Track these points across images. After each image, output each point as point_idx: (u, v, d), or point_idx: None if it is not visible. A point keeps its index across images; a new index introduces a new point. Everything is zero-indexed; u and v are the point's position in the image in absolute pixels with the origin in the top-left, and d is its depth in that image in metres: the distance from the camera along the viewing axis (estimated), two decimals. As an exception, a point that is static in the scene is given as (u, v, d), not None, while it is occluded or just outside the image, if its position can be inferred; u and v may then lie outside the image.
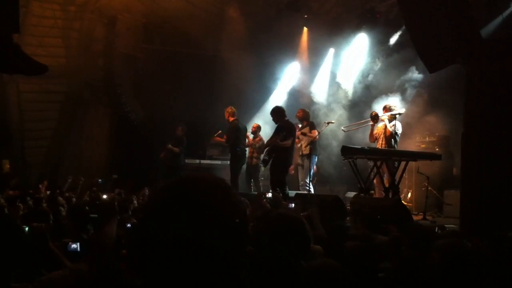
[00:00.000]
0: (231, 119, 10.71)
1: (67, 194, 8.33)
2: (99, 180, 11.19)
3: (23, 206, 6.44)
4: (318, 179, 12.04)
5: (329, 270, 2.43)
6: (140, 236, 1.23)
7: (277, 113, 9.93)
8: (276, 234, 2.94)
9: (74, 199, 7.87)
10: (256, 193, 9.61)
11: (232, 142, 10.51)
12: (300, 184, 10.71)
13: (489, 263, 2.82)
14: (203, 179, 1.27)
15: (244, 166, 11.21)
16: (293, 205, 5.96)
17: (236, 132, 10.49)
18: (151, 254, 1.19)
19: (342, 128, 10.73)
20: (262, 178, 12.03)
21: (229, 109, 10.80)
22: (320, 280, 2.40)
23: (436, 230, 5.57)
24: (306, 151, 10.53)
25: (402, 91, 11.46)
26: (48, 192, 8.93)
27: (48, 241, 2.76)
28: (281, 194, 8.16)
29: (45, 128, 13.85)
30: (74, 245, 3.58)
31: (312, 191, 10.48)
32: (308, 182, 10.38)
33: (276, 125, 9.85)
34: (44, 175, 12.18)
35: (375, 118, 9.67)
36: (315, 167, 10.99)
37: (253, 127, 11.73)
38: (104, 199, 7.62)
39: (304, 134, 10.59)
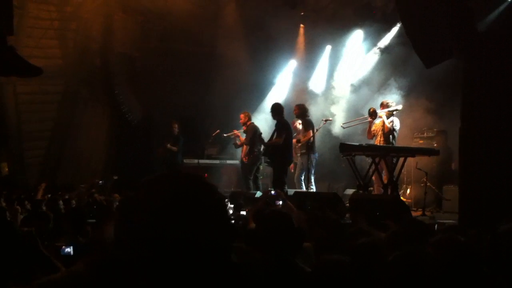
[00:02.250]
0: (249, 122, 10.86)
1: (66, 197, 8.32)
2: (100, 181, 11.18)
3: (22, 209, 6.45)
4: (317, 177, 12.04)
5: (341, 266, 2.46)
6: (124, 230, 1.24)
7: (275, 109, 9.98)
8: (268, 230, 2.97)
9: (73, 202, 7.87)
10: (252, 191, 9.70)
11: (251, 144, 10.56)
12: (295, 182, 10.71)
13: (484, 257, 2.82)
14: (186, 176, 1.28)
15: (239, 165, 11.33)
16: (280, 202, 5.97)
17: (255, 134, 10.52)
18: (131, 247, 1.20)
19: (341, 125, 10.72)
20: (262, 177, 12.04)
21: (247, 113, 11.01)
22: (331, 276, 2.43)
23: (436, 227, 5.56)
24: (302, 150, 10.53)
25: (399, 86, 11.45)
26: (48, 196, 8.90)
27: (39, 245, 2.75)
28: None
29: (43, 129, 13.82)
30: (67, 249, 3.56)
31: (314, 189, 10.49)
32: (306, 181, 10.39)
33: (275, 124, 9.91)
34: (43, 177, 12.18)
35: (373, 114, 9.66)
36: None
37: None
38: (101, 200, 7.61)
39: (298, 140, 10.58)
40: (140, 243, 1.19)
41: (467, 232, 3.92)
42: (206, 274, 1.20)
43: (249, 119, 10.94)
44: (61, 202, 7.33)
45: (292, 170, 10.85)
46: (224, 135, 11.62)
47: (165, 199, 1.21)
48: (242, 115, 10.90)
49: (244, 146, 10.78)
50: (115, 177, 11.48)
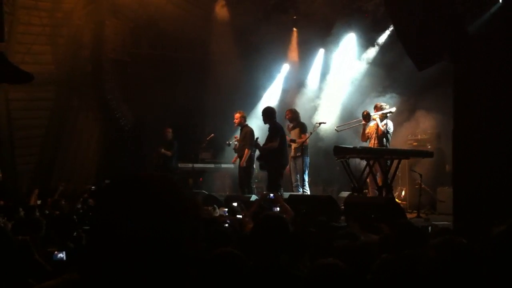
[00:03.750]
0: (245, 123, 10.69)
1: (62, 202, 8.27)
2: (92, 187, 11.10)
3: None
4: (312, 180, 12.03)
5: (334, 270, 2.45)
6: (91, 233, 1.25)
7: (267, 113, 9.98)
8: (263, 233, 2.97)
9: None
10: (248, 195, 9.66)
11: (249, 147, 10.46)
12: (293, 186, 10.70)
13: (482, 259, 2.81)
14: (154, 177, 1.29)
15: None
16: (277, 208, 5.99)
17: (253, 138, 10.47)
18: (100, 249, 1.20)
19: (335, 128, 10.73)
20: (256, 180, 12.03)
21: (242, 113, 10.77)
22: (326, 279, 2.42)
23: (429, 230, 5.56)
24: (297, 153, 10.53)
25: (392, 89, 11.48)
26: (39, 202, 8.84)
27: (34, 253, 2.73)
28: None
29: (35, 135, 13.77)
30: (60, 254, 3.54)
31: (308, 192, 10.49)
32: (301, 184, 10.39)
33: (268, 128, 9.90)
34: (35, 183, 12.10)
35: (367, 117, 9.69)
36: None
37: None
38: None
39: (293, 141, 10.57)
40: (111, 248, 1.20)
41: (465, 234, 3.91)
42: (169, 275, 1.21)
43: (245, 119, 10.76)
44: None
45: (289, 173, 10.85)
46: (228, 142, 11.47)
47: (131, 200, 1.21)
48: (237, 115, 10.64)
49: (246, 150, 10.54)
50: (107, 182, 11.39)
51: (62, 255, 3.66)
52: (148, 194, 1.23)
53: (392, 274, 2.80)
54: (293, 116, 10.78)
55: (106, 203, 1.24)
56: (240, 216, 5.96)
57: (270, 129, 9.98)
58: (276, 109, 10.57)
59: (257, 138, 10.21)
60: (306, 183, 10.45)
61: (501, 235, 2.60)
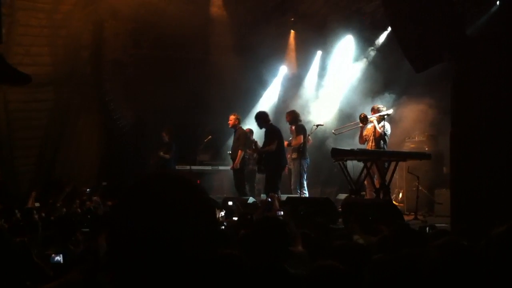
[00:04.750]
0: (239, 126, 10.82)
1: (58, 205, 8.27)
2: (87, 190, 11.09)
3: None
4: (310, 181, 12.04)
5: (335, 272, 2.47)
6: (110, 233, 1.25)
7: (260, 118, 10.04)
8: (258, 237, 2.99)
9: (64, 209, 7.83)
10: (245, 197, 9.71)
11: (243, 148, 10.51)
12: (292, 188, 10.73)
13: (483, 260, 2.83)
14: (171, 177, 1.30)
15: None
16: (281, 212, 6.01)
17: (248, 140, 10.57)
18: (120, 250, 1.20)
19: (333, 131, 10.74)
20: (256, 182, 12.06)
21: (237, 115, 10.87)
22: (325, 281, 2.44)
23: (427, 230, 5.58)
24: (294, 155, 10.55)
25: (390, 91, 11.50)
26: (37, 204, 8.82)
27: (32, 255, 2.74)
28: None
29: (34, 137, 13.74)
30: (57, 257, 3.54)
31: (307, 194, 10.49)
32: (299, 186, 10.40)
33: (264, 131, 9.95)
34: (35, 185, 12.09)
35: (364, 119, 9.72)
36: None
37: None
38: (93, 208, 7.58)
39: (289, 145, 10.60)
40: (131, 249, 1.20)
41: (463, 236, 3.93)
42: (193, 277, 1.21)
43: (239, 122, 10.87)
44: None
45: (288, 174, 10.88)
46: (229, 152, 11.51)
47: (151, 202, 1.22)
48: (232, 117, 10.76)
49: (240, 151, 10.59)
50: (104, 183, 11.40)
51: (59, 258, 3.66)
52: (170, 196, 1.24)
53: (389, 274, 2.81)
54: (293, 117, 10.80)
55: (129, 207, 1.24)
56: (236, 218, 5.98)
57: (266, 132, 10.02)
58: (274, 111, 10.62)
59: (256, 142, 10.25)
60: (305, 185, 10.47)
61: (501, 236, 2.62)
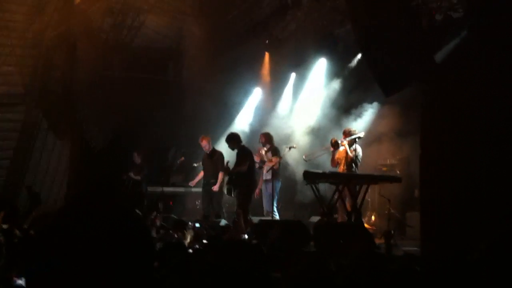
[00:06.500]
0: (213, 148, 10.89)
1: (25, 227, 8.06)
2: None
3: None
4: (283, 204, 12.00)
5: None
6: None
7: (233, 139, 10.03)
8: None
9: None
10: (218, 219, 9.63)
11: (223, 169, 10.46)
12: (264, 210, 10.68)
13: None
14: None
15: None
16: (246, 236, 5.96)
17: (223, 161, 10.57)
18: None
19: (304, 157, 10.63)
20: (227, 205, 11.93)
21: (209, 138, 10.94)
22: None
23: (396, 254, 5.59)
24: (267, 176, 10.53)
25: (361, 114, 11.60)
26: (5, 226, 8.59)
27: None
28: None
29: (2, 157, 13.48)
30: (19, 281, 3.43)
31: (277, 217, 10.44)
32: (273, 208, 10.36)
33: (236, 153, 9.93)
34: (3, 206, 11.79)
35: (335, 145, 9.79)
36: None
37: None
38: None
39: (261, 164, 10.60)
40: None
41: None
42: None
43: (211, 143, 10.97)
44: (17, 231, 7.09)
45: (258, 195, 10.84)
46: (194, 164, 11.49)
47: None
48: (205, 141, 10.79)
49: (220, 174, 10.54)
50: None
51: (21, 281, 3.55)
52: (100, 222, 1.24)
53: None
54: (267, 139, 10.81)
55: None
56: (205, 241, 5.91)
57: (238, 154, 10.00)
58: (248, 131, 10.63)
59: (227, 162, 10.21)
60: (275, 208, 10.42)
61: (493, 244, 2.64)
